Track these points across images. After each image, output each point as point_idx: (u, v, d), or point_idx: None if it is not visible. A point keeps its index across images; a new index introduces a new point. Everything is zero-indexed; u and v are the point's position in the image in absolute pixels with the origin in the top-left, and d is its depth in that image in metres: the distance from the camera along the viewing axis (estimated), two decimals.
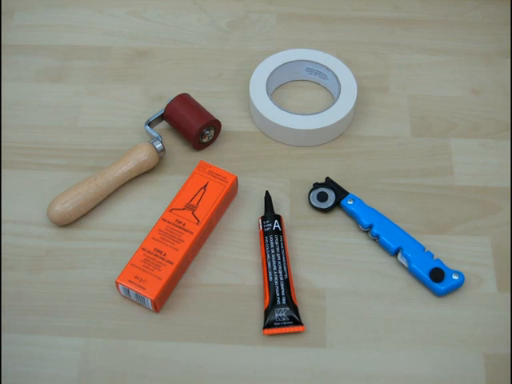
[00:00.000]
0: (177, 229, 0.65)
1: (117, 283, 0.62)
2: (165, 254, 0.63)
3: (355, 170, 0.73)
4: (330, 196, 0.70)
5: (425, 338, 0.62)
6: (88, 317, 0.63)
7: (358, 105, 0.78)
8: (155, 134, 0.72)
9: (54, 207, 0.67)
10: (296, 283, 0.65)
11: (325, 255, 0.67)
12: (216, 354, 0.61)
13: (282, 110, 0.74)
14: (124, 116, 0.77)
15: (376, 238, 0.67)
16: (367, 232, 0.68)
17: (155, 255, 0.63)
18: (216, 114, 0.77)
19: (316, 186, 0.70)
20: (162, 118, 0.75)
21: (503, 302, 0.64)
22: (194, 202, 0.67)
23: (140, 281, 0.62)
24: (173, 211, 0.66)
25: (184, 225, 0.65)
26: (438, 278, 0.63)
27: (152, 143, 0.71)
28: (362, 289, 0.65)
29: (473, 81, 0.80)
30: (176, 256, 0.63)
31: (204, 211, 0.66)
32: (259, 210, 0.70)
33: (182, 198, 0.67)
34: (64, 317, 0.63)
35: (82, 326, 0.63)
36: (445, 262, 0.66)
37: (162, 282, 0.62)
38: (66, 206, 0.67)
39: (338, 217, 0.70)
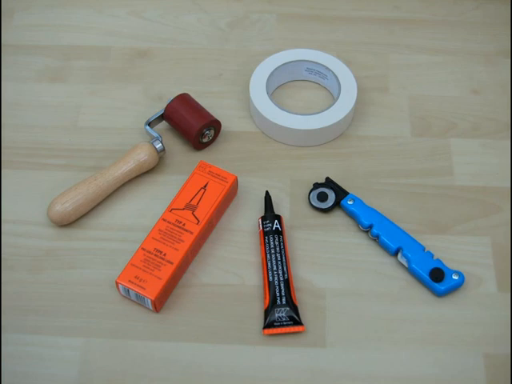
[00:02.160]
0: (177, 229, 0.65)
1: (117, 283, 0.62)
2: (165, 254, 0.63)
3: (355, 169, 0.73)
4: (330, 196, 0.70)
5: (425, 337, 0.62)
6: (88, 317, 0.63)
7: (358, 105, 0.78)
8: (155, 134, 0.72)
9: (54, 207, 0.67)
10: (296, 283, 0.65)
11: (325, 255, 0.67)
12: (216, 354, 0.61)
13: (282, 109, 0.74)
14: (124, 116, 0.77)
15: (376, 238, 0.67)
16: (367, 232, 0.68)
17: (155, 255, 0.63)
18: (216, 114, 0.77)
19: (316, 185, 0.70)
20: (162, 117, 0.75)
21: (503, 302, 0.64)
22: (194, 202, 0.67)
23: (140, 281, 0.62)
24: (173, 211, 0.66)
25: (184, 225, 0.65)
26: (438, 278, 0.63)
27: (152, 143, 0.71)
28: (362, 289, 0.65)
29: (473, 81, 0.80)
30: (176, 256, 0.63)
31: (204, 211, 0.66)
32: (259, 210, 0.70)
33: (182, 198, 0.67)
34: (64, 317, 0.63)
35: (81, 326, 0.63)
36: (445, 262, 0.66)
37: (162, 282, 0.62)
38: (66, 206, 0.67)
39: (337, 217, 0.70)
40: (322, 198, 0.69)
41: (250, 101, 0.77)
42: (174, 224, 0.65)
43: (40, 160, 0.74)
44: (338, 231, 0.69)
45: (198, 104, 0.74)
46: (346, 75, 0.77)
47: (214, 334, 0.62)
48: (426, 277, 0.64)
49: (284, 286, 0.63)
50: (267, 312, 0.62)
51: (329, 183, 0.71)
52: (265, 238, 0.66)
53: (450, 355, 0.61)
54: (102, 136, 0.76)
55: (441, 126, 0.76)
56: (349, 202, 0.69)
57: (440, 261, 0.65)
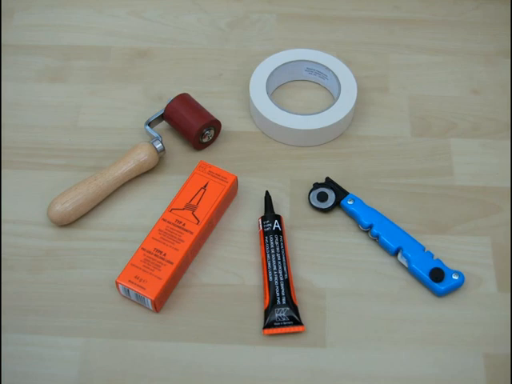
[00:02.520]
0: (177, 229, 0.65)
1: (117, 283, 0.62)
2: (165, 254, 0.63)
3: (355, 169, 0.73)
4: (330, 196, 0.70)
5: (425, 337, 0.62)
6: (88, 317, 0.63)
7: (358, 105, 0.78)
8: (155, 134, 0.72)
9: (54, 207, 0.67)
10: (296, 283, 0.65)
11: (325, 255, 0.67)
12: (216, 354, 0.61)
13: (282, 109, 0.74)
14: (124, 116, 0.77)
15: (376, 238, 0.67)
16: (367, 232, 0.68)
17: (155, 255, 0.63)
18: (216, 114, 0.77)
19: (316, 185, 0.70)
20: (162, 117, 0.75)
21: (503, 302, 0.64)
22: (194, 201, 0.67)
23: (140, 281, 0.62)
24: (173, 211, 0.66)
25: (184, 225, 0.65)
26: (438, 278, 0.63)
27: (152, 143, 0.71)
28: (362, 289, 0.65)
29: (473, 81, 0.80)
30: (176, 256, 0.63)
31: (204, 211, 0.66)
32: (259, 210, 0.70)
33: (182, 198, 0.67)
34: (64, 317, 0.63)
35: (81, 326, 0.63)
36: (445, 262, 0.66)
37: (162, 282, 0.62)
38: (66, 205, 0.67)
39: (338, 217, 0.70)
40: (322, 198, 0.69)
41: (250, 101, 0.77)
42: (174, 224, 0.65)
43: (40, 160, 0.74)
44: (338, 231, 0.69)
45: (197, 104, 0.74)
46: (346, 75, 0.77)
47: (214, 334, 0.62)
48: (426, 277, 0.64)
49: (284, 285, 0.63)
50: (267, 312, 0.62)
51: (329, 183, 0.71)
52: (265, 238, 0.66)
53: (450, 355, 0.61)
54: (102, 136, 0.76)
55: (441, 126, 0.76)
56: (349, 202, 0.69)
57: (440, 261, 0.65)
